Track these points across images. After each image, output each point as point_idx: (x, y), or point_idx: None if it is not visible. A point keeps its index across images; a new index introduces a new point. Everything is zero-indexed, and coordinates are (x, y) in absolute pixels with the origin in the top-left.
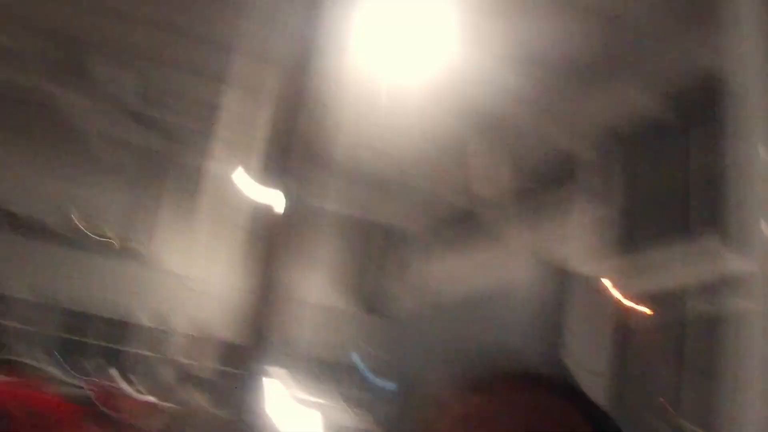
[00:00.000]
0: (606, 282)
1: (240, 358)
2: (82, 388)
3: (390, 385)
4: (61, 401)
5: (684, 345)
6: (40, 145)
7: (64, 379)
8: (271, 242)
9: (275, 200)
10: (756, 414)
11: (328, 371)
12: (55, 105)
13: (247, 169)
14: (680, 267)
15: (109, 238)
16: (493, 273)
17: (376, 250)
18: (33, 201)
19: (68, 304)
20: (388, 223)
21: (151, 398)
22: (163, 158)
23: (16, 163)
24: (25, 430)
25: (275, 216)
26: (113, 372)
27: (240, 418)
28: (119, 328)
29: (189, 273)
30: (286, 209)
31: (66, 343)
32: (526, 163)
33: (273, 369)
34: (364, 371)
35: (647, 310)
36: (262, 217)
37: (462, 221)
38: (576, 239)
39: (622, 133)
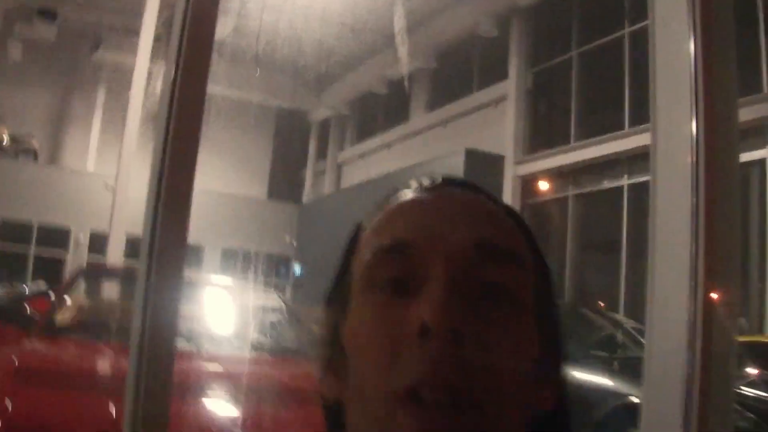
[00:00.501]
0: (522, 164)
1: (149, 254)
2: None
3: (301, 269)
4: None
5: (591, 220)
6: None
7: None
8: (170, 132)
9: (173, 90)
10: (660, 285)
11: (239, 257)
12: None
13: (147, 61)
14: (593, 147)
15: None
16: (413, 158)
17: (291, 138)
18: None
19: None
20: (305, 111)
21: (60, 295)
22: (60, 52)
23: None
24: None
25: (175, 104)
26: (20, 275)
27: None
28: (22, 230)
29: (91, 170)
30: (181, 96)
31: None
32: (442, 45)
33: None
34: (277, 257)
35: (551, 186)
36: (162, 106)
37: (380, 107)
38: (492, 121)
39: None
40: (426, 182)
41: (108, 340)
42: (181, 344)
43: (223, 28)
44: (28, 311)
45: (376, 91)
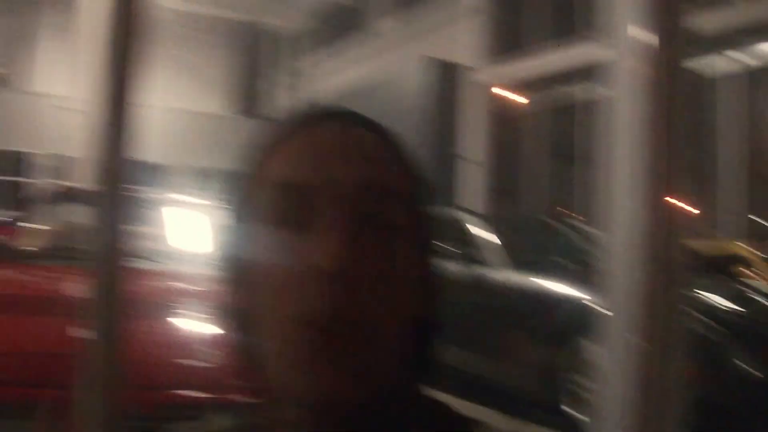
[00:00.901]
0: (484, 74)
1: (108, 175)
2: None
3: None
4: None
5: (554, 131)
6: None
7: None
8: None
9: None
10: (616, 192)
11: (205, 176)
12: None
13: None
14: (554, 57)
15: None
16: (376, 69)
17: (254, 52)
18: None
19: None
20: (266, 24)
21: (28, 221)
22: None
23: None
24: None
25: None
26: None
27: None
28: None
29: (52, 92)
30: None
31: None
32: None
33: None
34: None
35: (523, 99)
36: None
37: (340, 18)
38: (455, 31)
39: None
40: (313, 115)
41: (75, 265)
42: (142, 263)
43: None
44: None
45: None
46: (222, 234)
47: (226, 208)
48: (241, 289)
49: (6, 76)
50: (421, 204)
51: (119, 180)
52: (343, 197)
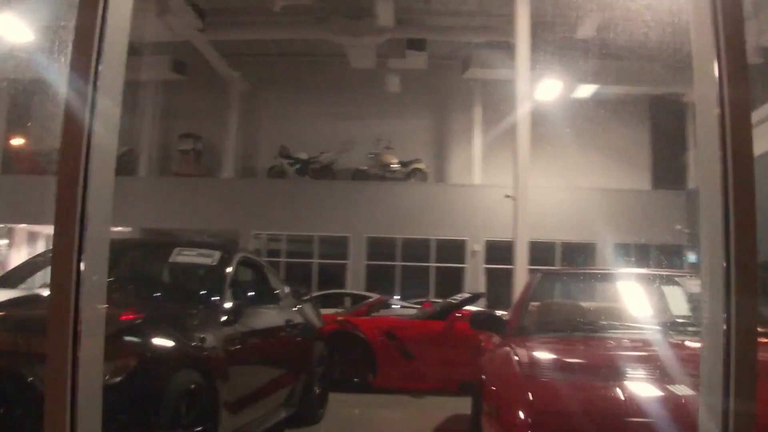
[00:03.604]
0: None
1: None
2: None
3: (697, 257)
4: None
5: None
6: None
7: None
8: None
9: None
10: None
11: (632, 250)
12: None
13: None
14: None
15: (394, 164)
16: None
17: (667, 124)
18: None
19: None
20: (678, 94)
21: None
22: (432, 77)
23: None
24: None
25: None
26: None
27: None
28: (423, 247)
29: (477, 182)
30: None
31: None
32: None
33: None
34: (670, 246)
35: None
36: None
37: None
38: None
39: None
40: None
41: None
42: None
43: (587, 28)
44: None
45: (751, 61)
46: None
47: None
48: None
49: (425, 170)
50: None
51: None
52: None
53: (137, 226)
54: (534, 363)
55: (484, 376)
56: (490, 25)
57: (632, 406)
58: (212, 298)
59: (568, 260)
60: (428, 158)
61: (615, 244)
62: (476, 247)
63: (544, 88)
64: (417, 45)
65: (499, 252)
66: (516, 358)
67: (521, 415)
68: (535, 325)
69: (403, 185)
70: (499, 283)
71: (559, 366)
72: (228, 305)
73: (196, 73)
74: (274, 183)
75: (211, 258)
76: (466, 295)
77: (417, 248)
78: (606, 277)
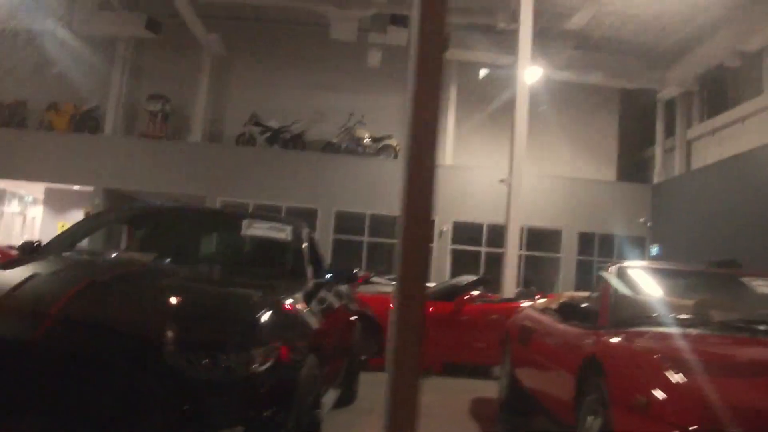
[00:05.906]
0: None
1: None
2: None
3: (659, 250)
4: None
5: None
6: None
7: None
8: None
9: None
10: None
11: (594, 240)
12: None
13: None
14: None
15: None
16: None
17: (643, 119)
18: None
19: None
20: (650, 90)
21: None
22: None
23: None
24: None
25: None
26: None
27: None
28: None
29: (449, 163)
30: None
31: None
32: None
33: None
34: (632, 238)
35: None
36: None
37: (730, 81)
38: None
39: None
40: None
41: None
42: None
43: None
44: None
45: (727, 64)
46: None
47: None
48: None
49: (395, 147)
50: None
51: None
52: None
53: (100, 185)
54: (684, 359)
55: (606, 366)
56: (471, 8)
57: None
58: (302, 276)
59: (532, 246)
60: (401, 136)
61: (579, 232)
62: (444, 228)
63: (525, 74)
64: (400, 21)
65: (467, 232)
66: (657, 354)
67: (695, 410)
68: (630, 318)
69: (374, 160)
70: (462, 264)
71: (712, 362)
72: (311, 284)
73: (171, 32)
74: (242, 150)
75: (284, 232)
76: (472, 278)
77: (386, 224)
78: (682, 274)
